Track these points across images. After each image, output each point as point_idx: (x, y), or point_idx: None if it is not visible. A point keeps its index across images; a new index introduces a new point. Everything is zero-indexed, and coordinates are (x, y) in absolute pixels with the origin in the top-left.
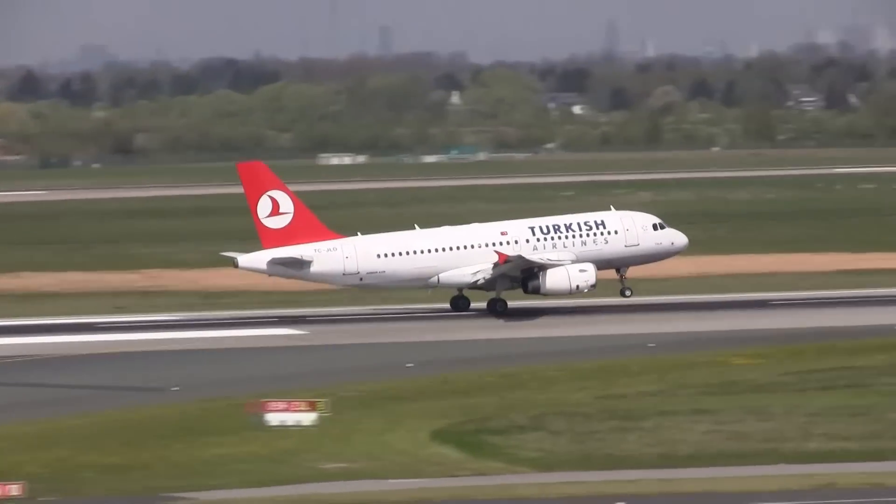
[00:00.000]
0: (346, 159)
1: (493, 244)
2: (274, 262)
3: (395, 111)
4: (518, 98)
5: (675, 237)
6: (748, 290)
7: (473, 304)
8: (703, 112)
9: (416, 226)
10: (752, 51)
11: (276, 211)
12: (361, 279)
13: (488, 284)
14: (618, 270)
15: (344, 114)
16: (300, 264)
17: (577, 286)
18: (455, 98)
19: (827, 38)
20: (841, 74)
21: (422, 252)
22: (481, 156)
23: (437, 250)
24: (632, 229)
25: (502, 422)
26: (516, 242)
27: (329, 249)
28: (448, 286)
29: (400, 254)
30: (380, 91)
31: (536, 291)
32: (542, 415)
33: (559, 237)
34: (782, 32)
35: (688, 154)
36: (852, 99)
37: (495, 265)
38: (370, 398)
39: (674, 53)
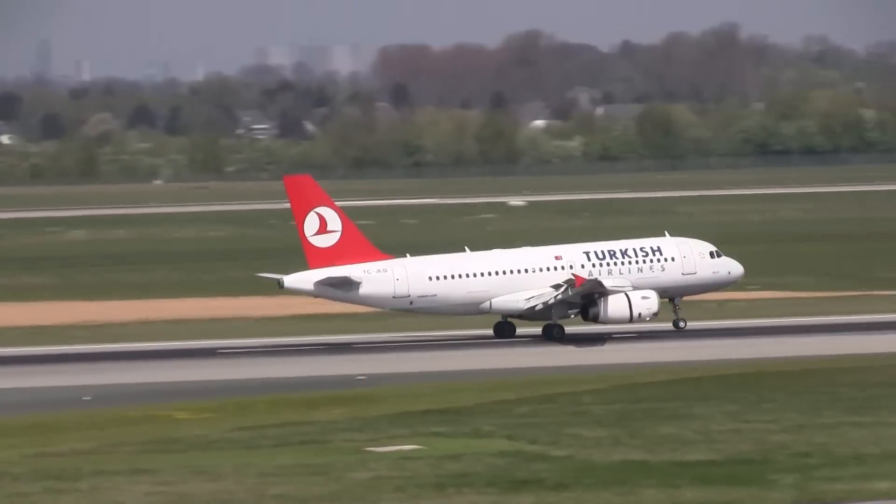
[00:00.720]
0: None
1: (547, 268)
2: (321, 283)
3: None
4: None
5: (731, 266)
6: (195, 336)
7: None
8: (144, 141)
9: (466, 248)
10: (199, 74)
11: (323, 229)
12: (412, 303)
13: (545, 311)
14: (671, 300)
15: None
16: (349, 285)
17: (640, 314)
18: None
19: (281, 58)
20: (296, 99)
21: (474, 276)
22: None
23: (489, 274)
24: (689, 257)
25: None
26: (571, 267)
27: (379, 271)
28: (500, 312)
29: (451, 277)
30: None
31: (596, 319)
32: None
33: (615, 263)
34: (232, 53)
35: (127, 188)
36: (309, 126)
37: (566, 289)
38: None
39: (112, 77)
